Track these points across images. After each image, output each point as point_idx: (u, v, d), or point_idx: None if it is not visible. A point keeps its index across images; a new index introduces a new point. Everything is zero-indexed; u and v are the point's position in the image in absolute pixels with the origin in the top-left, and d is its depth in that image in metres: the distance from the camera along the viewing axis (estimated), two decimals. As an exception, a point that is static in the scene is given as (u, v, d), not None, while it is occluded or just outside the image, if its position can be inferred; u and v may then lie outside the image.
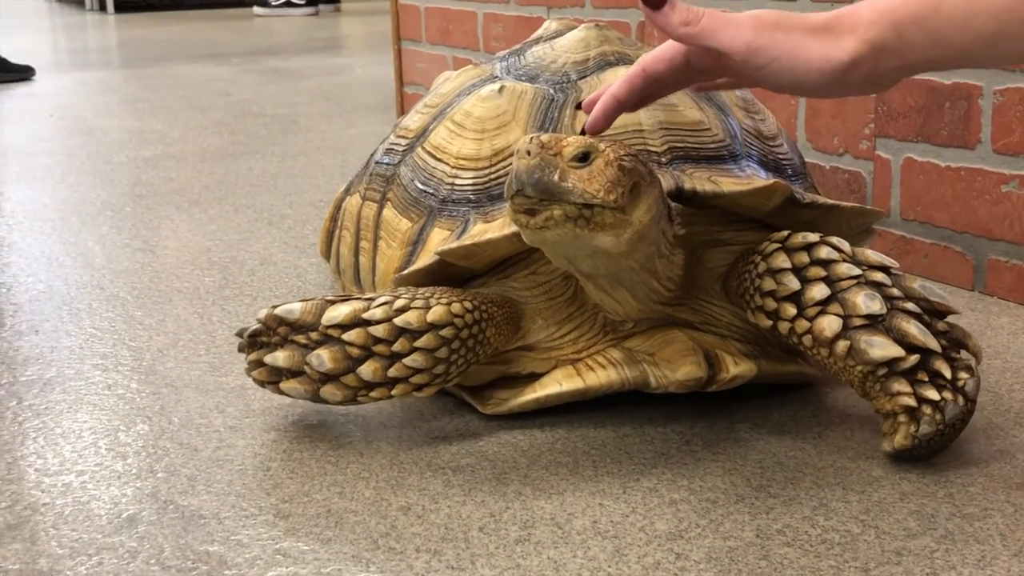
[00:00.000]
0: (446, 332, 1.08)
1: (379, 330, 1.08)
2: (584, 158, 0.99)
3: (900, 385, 1.01)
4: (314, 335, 1.10)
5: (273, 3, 7.43)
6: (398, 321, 1.08)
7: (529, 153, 0.97)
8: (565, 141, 0.99)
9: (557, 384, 1.15)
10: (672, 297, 1.13)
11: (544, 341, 1.17)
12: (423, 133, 1.30)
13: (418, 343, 1.08)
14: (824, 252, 1.06)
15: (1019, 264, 1.48)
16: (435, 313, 1.08)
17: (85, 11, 8.22)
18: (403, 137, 1.33)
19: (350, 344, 1.08)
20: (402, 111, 2.96)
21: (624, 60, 1.25)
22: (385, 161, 1.34)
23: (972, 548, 0.91)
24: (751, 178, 1.17)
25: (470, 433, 1.15)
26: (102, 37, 6.28)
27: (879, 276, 1.04)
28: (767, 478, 1.03)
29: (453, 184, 1.21)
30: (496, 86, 1.24)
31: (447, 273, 1.17)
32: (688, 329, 1.16)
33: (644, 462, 1.07)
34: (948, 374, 1.00)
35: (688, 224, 1.12)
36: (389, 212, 1.28)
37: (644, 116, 1.18)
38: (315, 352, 1.09)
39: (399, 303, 1.09)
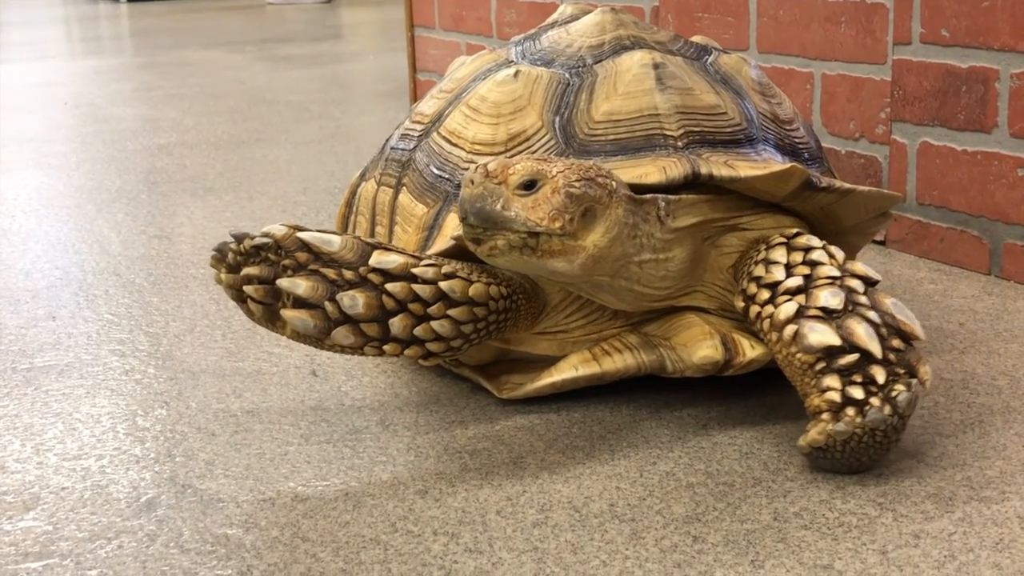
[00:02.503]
0: (479, 310, 1.08)
1: (424, 289, 1.06)
2: (530, 186, 0.99)
3: (832, 380, 0.98)
4: (348, 274, 1.06)
5: (285, -9, 7.42)
6: (443, 285, 1.06)
7: (473, 182, 0.98)
8: (512, 169, 0.99)
9: (573, 369, 1.15)
10: (670, 293, 1.13)
11: (552, 326, 1.17)
12: (438, 118, 1.29)
13: (452, 312, 1.07)
14: (816, 255, 1.07)
15: (1036, 248, 1.47)
16: (476, 289, 1.08)
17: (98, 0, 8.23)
18: (418, 122, 1.33)
19: (388, 294, 1.06)
20: (415, 98, 2.96)
21: (640, 44, 1.25)
22: (400, 147, 1.34)
23: (990, 531, 0.91)
24: (768, 162, 1.17)
25: (486, 417, 1.15)
26: (115, 25, 6.29)
27: (854, 283, 1.04)
28: (784, 461, 1.03)
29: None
30: (511, 71, 1.24)
31: (463, 258, 1.17)
32: (704, 314, 1.16)
33: (661, 446, 1.08)
34: (881, 380, 0.98)
35: (704, 210, 1.12)
36: (405, 197, 1.28)
37: (660, 100, 1.18)
38: (349, 292, 1.05)
39: (447, 268, 1.08)
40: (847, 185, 1.19)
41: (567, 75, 1.23)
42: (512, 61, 1.29)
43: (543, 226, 0.98)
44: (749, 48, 1.87)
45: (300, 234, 1.07)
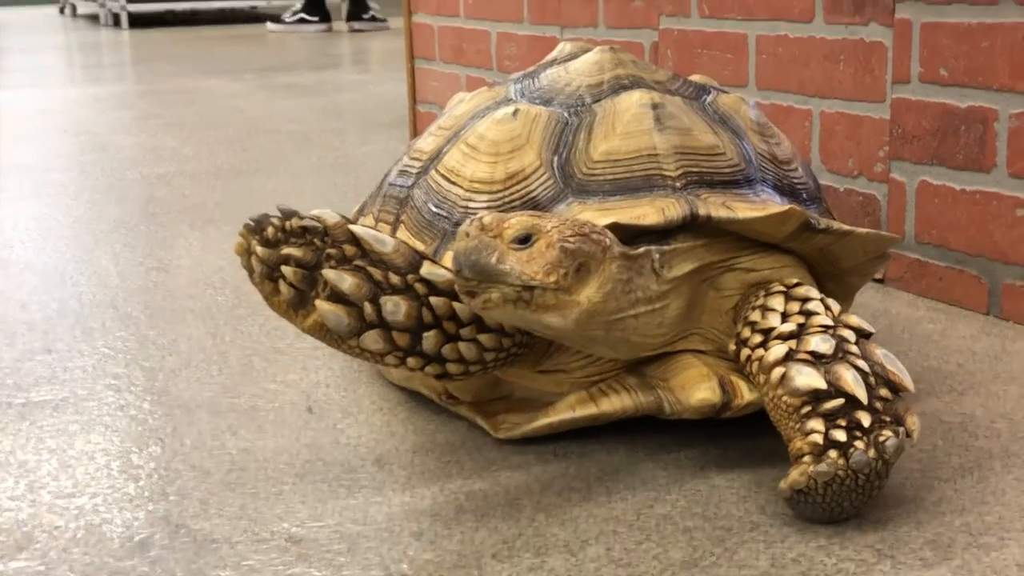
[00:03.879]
0: (506, 340, 1.08)
1: (463, 309, 1.04)
2: (525, 240, 0.99)
3: (815, 424, 0.98)
4: (394, 279, 1.04)
5: (287, 20, 7.45)
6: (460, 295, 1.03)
7: (468, 235, 0.98)
8: (507, 223, 0.99)
9: (570, 409, 1.14)
10: (666, 340, 1.13)
11: (553, 365, 1.16)
12: (437, 155, 1.29)
13: (481, 336, 1.06)
14: (813, 306, 1.07)
15: (1035, 288, 1.47)
16: None
17: (99, 26, 8.26)
18: (417, 159, 1.33)
19: (428, 307, 1.04)
20: (415, 129, 2.96)
21: (638, 84, 1.25)
22: (399, 183, 1.34)
23: (989, 579, 0.90)
24: (766, 203, 1.17)
25: (482, 457, 1.14)
26: (116, 53, 6.31)
27: (846, 333, 1.04)
28: (782, 506, 1.02)
29: (467, 207, 1.21)
30: (510, 109, 1.24)
31: (461, 296, 1.17)
32: (702, 355, 1.15)
33: (658, 488, 1.07)
34: (867, 425, 0.97)
35: (701, 255, 1.12)
36: (403, 234, 1.28)
37: (659, 140, 1.18)
38: (392, 298, 1.02)
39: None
40: (846, 227, 1.19)
41: (566, 114, 1.23)
42: (511, 99, 1.29)
43: (537, 280, 0.98)
44: (748, 85, 1.87)
45: (352, 227, 1.04)
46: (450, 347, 1.05)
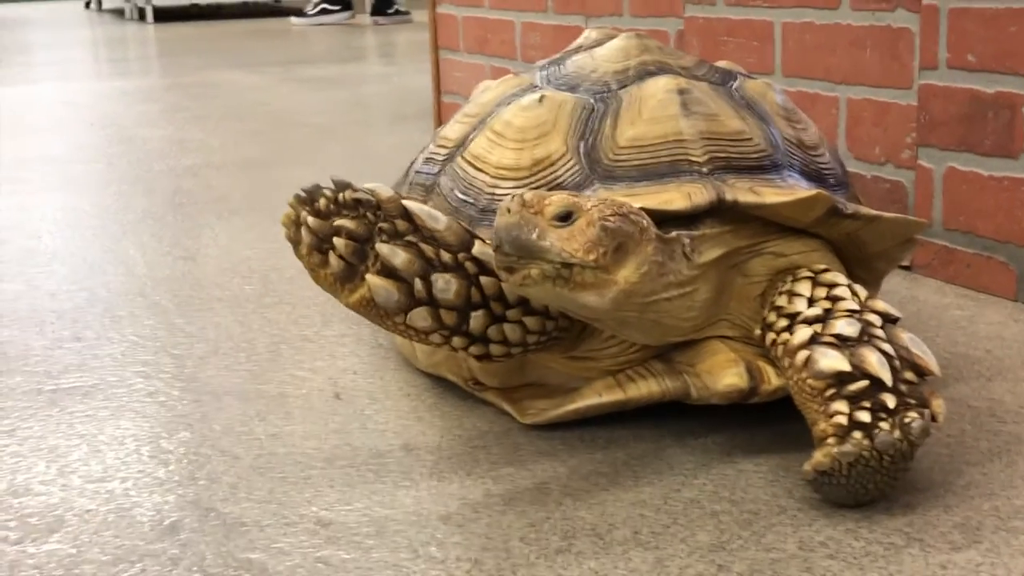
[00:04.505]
0: (549, 323, 1.08)
1: (510, 290, 1.04)
2: (566, 217, 0.99)
3: (840, 405, 0.98)
4: (446, 256, 1.03)
5: (309, 12, 7.47)
6: (498, 272, 1.03)
7: (509, 211, 0.98)
8: (548, 200, 0.99)
9: (597, 395, 1.15)
10: (696, 326, 1.12)
11: (584, 351, 1.16)
12: (463, 143, 1.30)
13: (526, 319, 1.07)
14: (840, 291, 1.07)
15: (1064, 275, 1.46)
16: None
17: (125, 20, 8.30)
18: (443, 147, 1.33)
19: (478, 287, 1.04)
20: (440, 120, 2.97)
21: (664, 69, 1.25)
22: (425, 170, 1.34)
23: (1018, 561, 0.90)
24: (793, 188, 1.17)
25: (509, 442, 1.14)
26: (142, 47, 6.34)
27: (872, 317, 1.04)
28: (810, 490, 1.02)
29: (493, 194, 1.21)
30: (536, 96, 1.24)
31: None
32: (729, 341, 1.15)
33: (685, 473, 1.07)
34: (891, 406, 0.97)
35: (728, 240, 1.12)
36: (429, 221, 1.28)
37: (685, 126, 1.18)
38: (444, 275, 1.03)
39: None
40: (873, 212, 1.18)
41: (592, 100, 1.23)
42: (537, 86, 1.29)
43: (578, 257, 0.98)
44: (774, 72, 1.87)
45: (406, 202, 1.04)
46: (495, 328, 1.05)
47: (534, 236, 0.97)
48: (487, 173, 1.23)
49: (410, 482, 1.06)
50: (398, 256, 1.02)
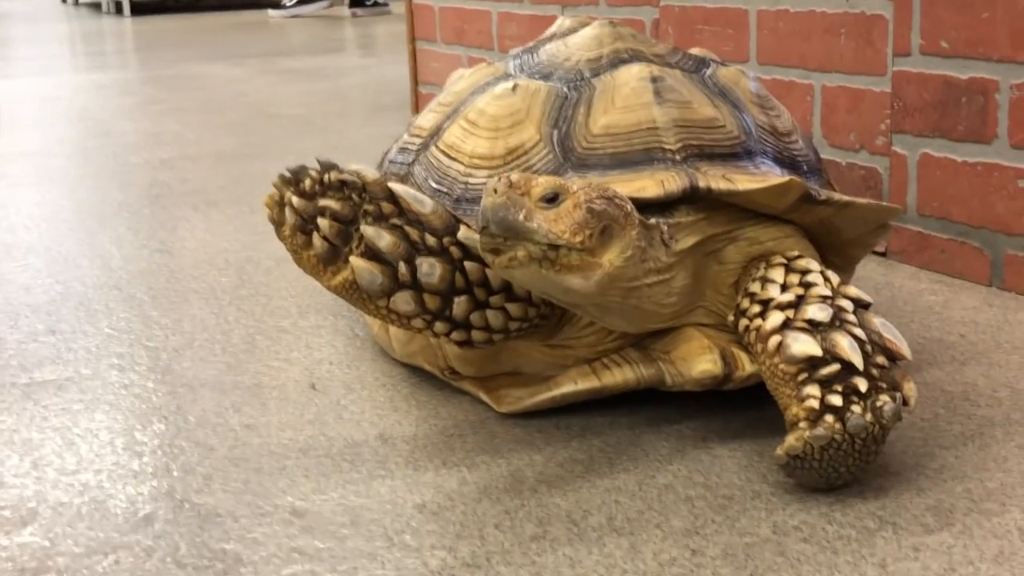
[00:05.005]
0: (531, 311, 1.08)
1: (494, 276, 1.04)
2: (553, 199, 0.98)
3: (812, 389, 0.98)
4: (431, 240, 1.03)
5: (287, 4, 7.43)
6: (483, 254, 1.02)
7: (496, 191, 0.97)
8: (535, 181, 0.99)
9: (573, 383, 1.15)
10: (675, 312, 1.13)
11: (560, 339, 1.16)
12: (437, 132, 1.29)
13: (509, 305, 1.06)
14: (812, 277, 1.07)
15: (1037, 259, 1.47)
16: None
17: (102, 14, 8.25)
18: (417, 136, 1.33)
19: (462, 272, 1.04)
20: (417, 111, 2.96)
21: (638, 57, 1.25)
22: (399, 160, 1.34)
23: (990, 543, 0.91)
24: (766, 175, 1.17)
25: (485, 431, 1.15)
26: (119, 40, 6.31)
27: (844, 303, 1.04)
28: (783, 474, 1.03)
29: (467, 183, 1.21)
30: (509, 84, 1.24)
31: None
32: (703, 328, 1.15)
33: (660, 459, 1.07)
34: (863, 390, 0.97)
35: (703, 228, 1.12)
36: (404, 211, 1.28)
37: (658, 113, 1.18)
38: (428, 259, 1.02)
39: None
40: (846, 198, 1.19)
41: (565, 89, 1.23)
42: (510, 74, 1.29)
43: (564, 239, 0.97)
44: (749, 60, 1.87)
45: (392, 184, 1.03)
46: (478, 314, 1.05)
47: (521, 217, 0.97)
48: (461, 162, 1.22)
49: (385, 471, 1.06)
50: (383, 238, 1.01)
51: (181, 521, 0.98)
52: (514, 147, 1.20)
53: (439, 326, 1.05)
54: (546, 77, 1.25)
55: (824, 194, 1.17)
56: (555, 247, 0.98)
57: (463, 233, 1.04)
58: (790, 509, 0.97)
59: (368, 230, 1.01)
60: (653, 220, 1.08)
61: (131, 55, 5.50)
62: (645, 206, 1.10)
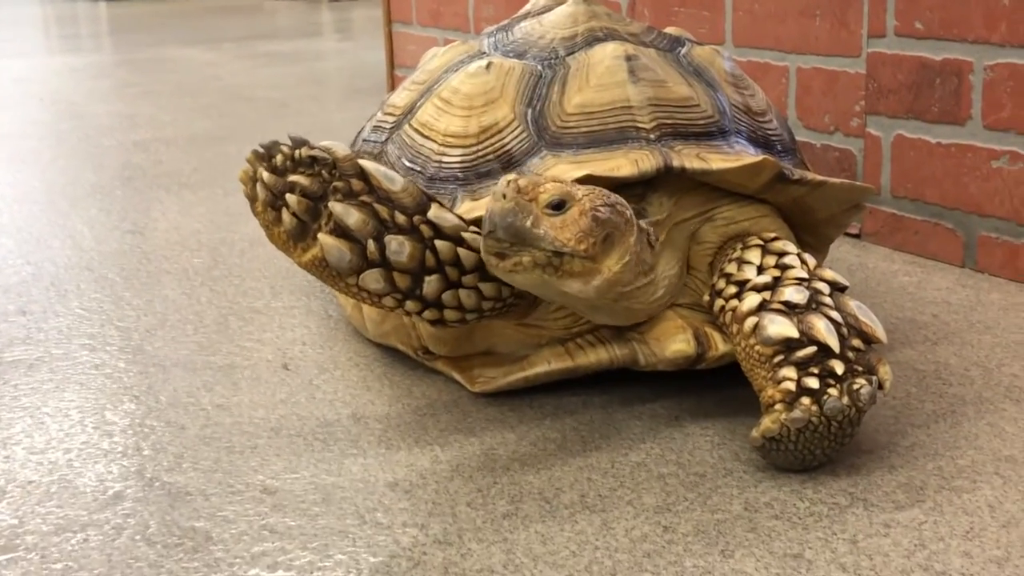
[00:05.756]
0: (505, 290, 1.07)
1: (468, 256, 1.03)
2: (559, 206, 0.98)
3: (788, 372, 0.98)
4: (400, 218, 1.01)
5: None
6: (485, 257, 1.02)
7: (504, 196, 0.97)
8: (542, 187, 0.98)
9: (546, 363, 1.14)
10: (662, 306, 1.13)
11: (533, 319, 1.16)
12: (410, 110, 1.29)
13: (482, 285, 1.05)
14: (789, 260, 1.07)
15: (1009, 240, 1.48)
16: None
17: (76, -2, 8.19)
18: (390, 114, 1.32)
19: (433, 251, 1.03)
20: (393, 94, 2.95)
21: (612, 36, 1.25)
22: (372, 139, 1.33)
23: (961, 520, 0.91)
24: (740, 154, 1.17)
25: (458, 410, 1.14)
26: (94, 24, 6.26)
27: (820, 285, 1.04)
28: (759, 456, 1.03)
29: (441, 162, 1.20)
30: (484, 62, 1.23)
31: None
32: (677, 308, 1.15)
33: (632, 437, 1.07)
34: (840, 372, 0.97)
35: (684, 205, 1.13)
36: (377, 190, 1.27)
37: (633, 92, 1.17)
38: (397, 237, 1.01)
39: None
40: (819, 177, 1.19)
41: (539, 67, 1.22)
42: (484, 53, 1.29)
43: (570, 247, 0.98)
44: (725, 42, 1.87)
45: (362, 161, 1.02)
46: (450, 294, 1.04)
47: (528, 223, 0.97)
48: (435, 140, 1.22)
49: (358, 450, 1.06)
50: (351, 216, 1.00)
51: (151, 499, 0.97)
52: (488, 126, 1.19)
53: (410, 305, 1.04)
54: (520, 56, 1.25)
55: (798, 173, 1.17)
56: (559, 254, 0.98)
57: (434, 212, 1.03)
58: (762, 486, 0.97)
59: (336, 207, 1.00)
60: (644, 223, 1.08)
61: (106, 38, 5.46)
62: (619, 183, 1.10)
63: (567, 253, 0.98)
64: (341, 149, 1.02)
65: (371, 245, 1.00)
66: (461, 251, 1.03)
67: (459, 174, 1.19)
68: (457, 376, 1.18)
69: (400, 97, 1.33)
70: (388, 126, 1.31)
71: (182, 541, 0.91)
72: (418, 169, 1.22)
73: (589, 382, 1.17)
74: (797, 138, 1.40)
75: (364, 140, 1.35)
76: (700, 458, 1.03)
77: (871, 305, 1.08)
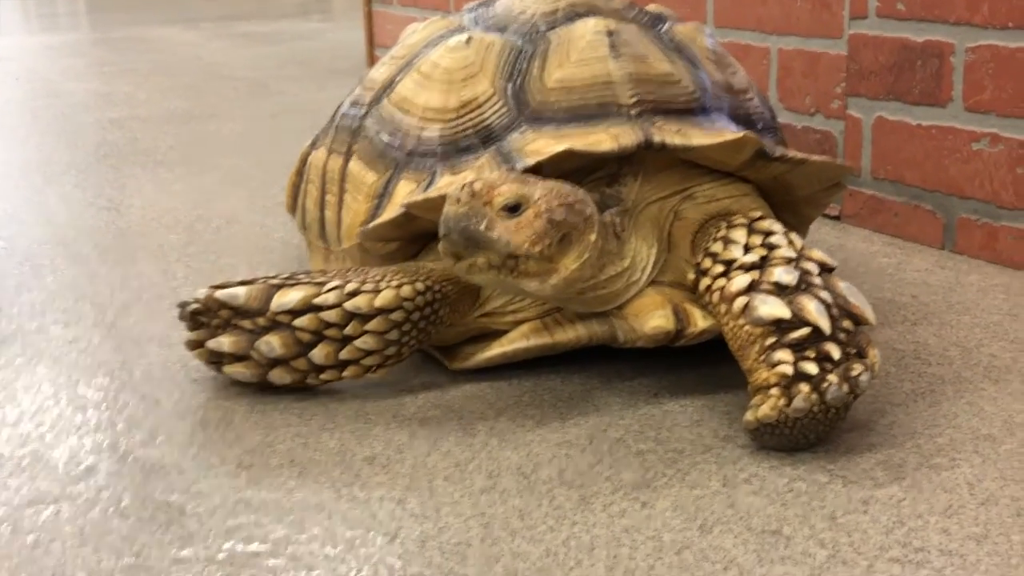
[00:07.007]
0: (396, 316, 1.08)
1: (331, 315, 1.07)
2: (514, 208, 0.99)
3: (783, 354, 0.97)
4: (261, 320, 1.08)
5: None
6: (348, 306, 1.07)
7: (459, 200, 0.98)
8: (497, 191, 0.99)
9: (524, 339, 1.14)
10: (641, 289, 1.12)
11: (504, 306, 1.15)
12: (390, 85, 1.28)
13: (368, 326, 1.07)
14: (776, 239, 1.06)
15: (989, 222, 1.48)
16: (384, 298, 1.07)
17: (53, -23, 8.11)
18: (369, 89, 1.31)
19: (300, 329, 1.07)
20: (373, 74, 2.93)
21: (594, 11, 1.24)
22: (351, 113, 1.32)
23: (939, 497, 0.91)
24: (721, 131, 1.16)
25: (436, 386, 1.13)
26: (71, 2, 6.20)
27: (809, 266, 1.03)
28: (735, 429, 1.02)
29: (420, 136, 1.19)
30: (464, 37, 1.22)
31: (414, 227, 1.16)
32: (656, 285, 1.15)
33: (611, 414, 1.07)
34: (837, 357, 0.96)
35: (662, 183, 1.12)
36: (355, 165, 1.26)
37: (614, 67, 1.16)
38: (264, 339, 1.08)
39: (350, 287, 1.08)
40: (800, 155, 1.18)
41: (520, 42, 1.21)
42: (464, 27, 1.27)
43: (524, 249, 0.99)
44: (706, 22, 1.86)
45: (216, 293, 1.10)
46: (348, 350, 1.08)
47: (482, 227, 0.98)
48: (414, 115, 1.21)
49: (334, 425, 1.05)
50: (223, 344, 1.09)
51: (124, 473, 0.96)
52: (468, 100, 1.18)
53: (328, 375, 1.10)
54: (501, 30, 1.24)
55: (779, 151, 1.16)
56: (515, 256, 0.99)
57: (275, 302, 1.08)
58: (741, 463, 0.97)
59: (211, 344, 1.09)
60: (606, 215, 1.07)
61: (83, 17, 5.41)
62: (599, 158, 1.10)
63: (521, 255, 0.98)
64: (200, 293, 1.11)
65: (255, 354, 1.08)
66: (323, 315, 1.07)
67: (438, 149, 1.18)
68: (435, 352, 1.18)
69: (379, 72, 1.32)
70: (367, 101, 1.30)
71: (155, 515, 0.89)
72: (397, 144, 1.21)
73: (568, 359, 1.17)
74: (779, 120, 1.39)
75: (343, 115, 1.34)
76: (679, 434, 1.02)
77: (851, 285, 1.08)
